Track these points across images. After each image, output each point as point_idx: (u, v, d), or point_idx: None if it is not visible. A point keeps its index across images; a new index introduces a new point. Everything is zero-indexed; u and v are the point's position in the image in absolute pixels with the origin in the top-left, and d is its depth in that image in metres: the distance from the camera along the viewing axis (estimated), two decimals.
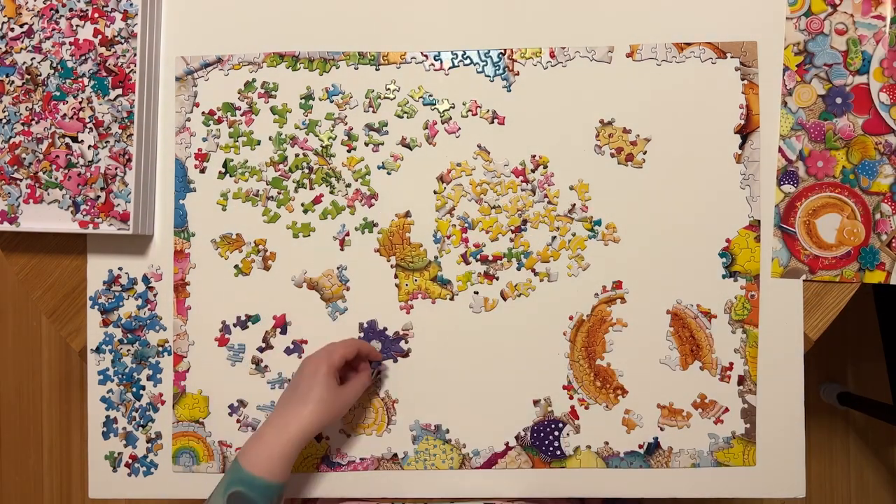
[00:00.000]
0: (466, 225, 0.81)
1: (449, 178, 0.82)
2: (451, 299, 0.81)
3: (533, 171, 0.81)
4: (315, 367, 0.71)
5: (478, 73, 0.82)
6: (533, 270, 0.81)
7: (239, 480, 0.67)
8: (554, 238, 0.81)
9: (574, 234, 0.81)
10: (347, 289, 0.82)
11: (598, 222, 0.81)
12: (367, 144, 0.82)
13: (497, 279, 0.81)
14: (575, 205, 0.81)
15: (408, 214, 0.81)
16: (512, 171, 0.81)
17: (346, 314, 0.82)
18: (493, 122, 0.82)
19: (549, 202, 0.81)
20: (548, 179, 0.81)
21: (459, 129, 0.82)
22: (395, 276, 0.82)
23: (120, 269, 0.83)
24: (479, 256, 0.81)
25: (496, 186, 0.81)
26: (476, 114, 0.82)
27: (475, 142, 0.82)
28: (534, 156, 0.81)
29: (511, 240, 0.81)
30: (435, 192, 0.82)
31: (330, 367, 0.71)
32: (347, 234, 0.82)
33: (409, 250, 0.81)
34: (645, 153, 0.80)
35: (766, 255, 0.80)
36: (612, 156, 0.81)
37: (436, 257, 0.81)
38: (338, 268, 0.82)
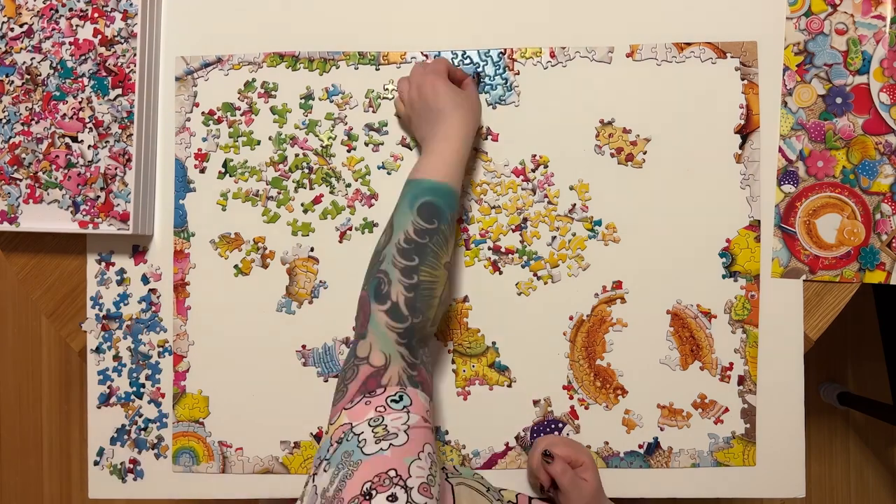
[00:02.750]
0: (464, 218, 0.81)
1: None
2: (509, 386, 0.81)
3: (533, 170, 0.81)
4: (436, 89, 0.72)
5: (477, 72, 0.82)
6: (535, 274, 0.81)
7: (424, 191, 0.67)
8: (554, 238, 0.81)
9: (574, 234, 0.81)
10: (325, 287, 0.82)
11: (599, 222, 0.81)
12: (367, 144, 0.82)
13: (501, 273, 0.81)
14: (575, 205, 0.81)
15: (465, 300, 0.81)
16: (512, 170, 0.81)
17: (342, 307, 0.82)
18: (487, 136, 0.82)
19: (549, 202, 0.81)
20: (548, 179, 0.81)
21: None
22: (453, 362, 0.81)
23: (123, 270, 0.83)
24: (492, 246, 0.81)
25: (496, 187, 0.81)
26: None
27: (486, 161, 0.82)
28: (534, 155, 0.81)
29: (521, 240, 0.81)
30: None
31: (448, 83, 0.73)
32: (349, 229, 0.82)
33: (467, 336, 0.81)
34: (645, 153, 0.80)
35: (766, 255, 0.80)
36: (612, 156, 0.81)
37: (493, 343, 0.81)
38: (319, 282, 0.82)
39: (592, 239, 0.81)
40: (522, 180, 0.81)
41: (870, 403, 1.49)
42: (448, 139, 0.70)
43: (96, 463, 0.83)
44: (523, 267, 0.81)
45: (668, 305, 0.80)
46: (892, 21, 0.78)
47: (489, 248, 0.81)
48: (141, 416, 0.83)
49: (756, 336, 0.80)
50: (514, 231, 0.81)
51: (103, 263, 0.83)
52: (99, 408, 0.83)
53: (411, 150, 0.82)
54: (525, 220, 0.81)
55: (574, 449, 0.75)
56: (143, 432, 0.83)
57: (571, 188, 0.81)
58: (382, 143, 0.82)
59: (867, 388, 1.64)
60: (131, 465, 0.83)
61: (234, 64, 0.83)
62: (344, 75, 0.83)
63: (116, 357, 0.83)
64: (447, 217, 0.67)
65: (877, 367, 1.63)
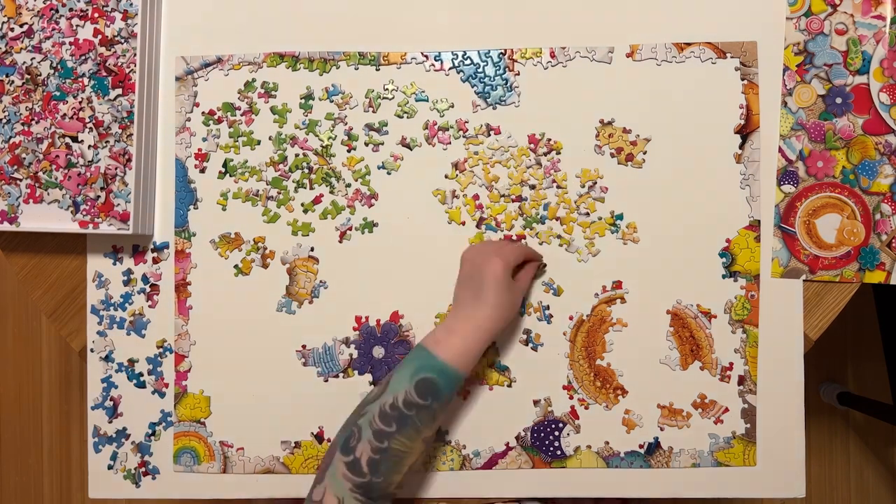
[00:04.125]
0: (480, 203, 0.81)
1: (464, 167, 0.81)
2: (509, 386, 0.81)
3: (546, 153, 0.81)
4: (494, 272, 0.70)
5: (478, 72, 0.82)
6: (545, 284, 0.81)
7: (430, 367, 0.67)
8: (579, 206, 0.80)
9: (600, 218, 0.80)
10: (326, 287, 0.82)
11: (620, 216, 0.80)
12: (367, 144, 0.82)
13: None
14: (596, 183, 0.80)
15: None
16: (528, 136, 0.81)
17: (341, 314, 0.82)
18: (489, 134, 0.82)
19: (559, 186, 0.81)
20: (554, 165, 0.81)
21: (463, 124, 0.82)
22: None
23: (129, 271, 0.83)
24: (503, 237, 0.81)
25: (508, 162, 0.81)
26: (476, 112, 0.82)
27: (476, 145, 0.82)
28: (548, 140, 0.81)
29: (525, 220, 0.81)
30: (447, 177, 0.81)
31: (508, 272, 0.71)
32: (349, 229, 0.82)
33: None
34: (645, 153, 0.80)
35: (766, 255, 0.80)
36: (612, 156, 0.81)
37: (493, 343, 0.80)
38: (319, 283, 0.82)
39: (614, 234, 0.80)
40: (533, 148, 0.81)
41: (870, 403, 1.49)
42: (479, 329, 0.69)
43: (110, 467, 0.83)
44: (539, 222, 0.80)
45: (668, 305, 0.80)
46: (892, 21, 0.78)
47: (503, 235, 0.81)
48: (142, 416, 0.83)
49: (756, 336, 0.80)
50: (514, 201, 0.81)
51: (111, 260, 0.83)
52: (110, 422, 0.83)
53: (411, 150, 0.82)
54: (532, 187, 0.81)
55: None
56: (151, 437, 0.83)
57: (579, 190, 0.81)
58: (382, 143, 0.82)
59: (867, 388, 1.64)
60: (143, 469, 0.83)
61: (234, 64, 0.83)
62: (344, 75, 0.83)
63: (117, 357, 0.83)
64: (443, 397, 0.67)
65: (877, 367, 1.63)
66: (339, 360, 0.82)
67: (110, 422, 0.83)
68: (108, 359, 0.83)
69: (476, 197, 0.81)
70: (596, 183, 0.81)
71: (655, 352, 0.80)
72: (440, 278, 0.81)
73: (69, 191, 0.79)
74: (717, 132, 0.80)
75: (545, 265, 0.81)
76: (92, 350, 0.84)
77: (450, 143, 0.82)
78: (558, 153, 0.81)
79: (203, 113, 0.83)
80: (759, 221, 0.80)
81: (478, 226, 0.81)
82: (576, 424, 0.81)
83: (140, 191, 0.79)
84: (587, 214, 0.80)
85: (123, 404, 0.83)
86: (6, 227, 0.80)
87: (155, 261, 0.83)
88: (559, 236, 0.80)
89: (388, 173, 0.82)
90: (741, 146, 0.80)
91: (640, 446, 0.80)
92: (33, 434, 1.74)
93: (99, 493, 0.84)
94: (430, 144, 0.82)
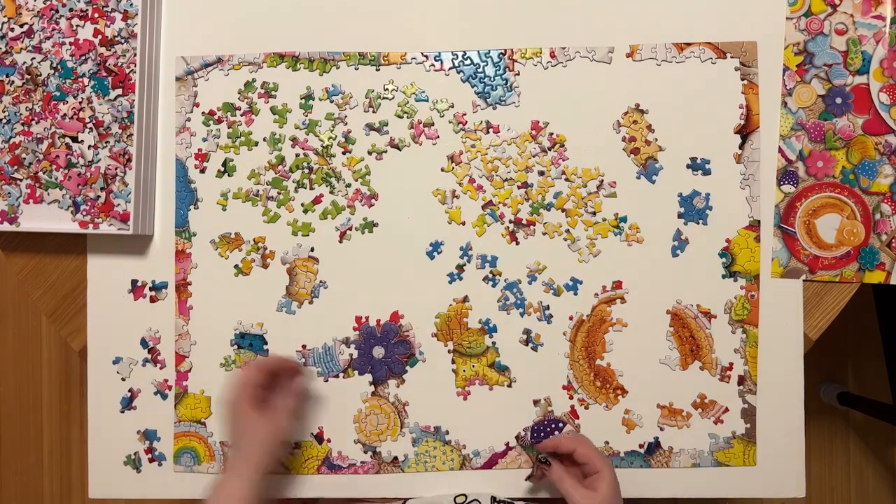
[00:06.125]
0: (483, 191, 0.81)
1: (459, 160, 0.81)
2: (509, 386, 0.81)
3: (550, 148, 0.81)
4: (229, 412, 0.71)
5: (477, 72, 0.82)
6: (545, 284, 0.81)
7: None
8: (587, 204, 0.80)
9: (604, 220, 0.80)
10: (325, 287, 0.82)
11: (624, 219, 0.80)
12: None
13: (518, 243, 0.81)
14: (603, 180, 0.80)
15: (465, 300, 0.81)
16: (531, 122, 0.81)
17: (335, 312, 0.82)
18: (488, 132, 0.82)
19: (567, 178, 0.81)
20: (561, 155, 0.81)
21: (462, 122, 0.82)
22: (453, 362, 0.81)
23: (139, 280, 0.84)
24: (514, 219, 0.81)
25: (510, 149, 0.81)
26: (476, 112, 0.82)
27: (474, 140, 0.82)
28: (550, 133, 0.81)
29: (532, 206, 0.81)
30: (443, 170, 0.81)
31: (237, 407, 0.69)
32: (349, 229, 0.82)
33: (467, 335, 0.81)
34: (652, 159, 0.80)
35: (766, 255, 0.80)
36: (623, 140, 0.80)
37: (493, 343, 0.81)
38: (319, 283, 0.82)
39: (617, 236, 0.80)
40: (534, 135, 0.81)
41: (870, 403, 1.48)
42: (239, 478, 0.67)
43: (130, 459, 0.83)
44: (545, 210, 0.80)
45: (668, 305, 0.80)
46: (892, 21, 0.78)
47: (510, 221, 0.81)
48: (142, 414, 0.83)
49: (756, 336, 0.80)
50: (520, 188, 0.81)
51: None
52: (122, 412, 0.83)
53: (400, 150, 0.82)
54: (541, 173, 0.81)
55: (592, 454, 0.72)
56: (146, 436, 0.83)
57: (587, 194, 0.81)
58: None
59: (867, 388, 1.64)
60: (149, 455, 0.82)
61: (234, 64, 0.83)
62: (344, 75, 0.83)
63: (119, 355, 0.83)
64: None
65: (877, 367, 1.63)
66: (339, 360, 0.82)
67: (122, 412, 0.83)
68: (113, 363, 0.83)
69: (472, 181, 0.81)
70: (603, 181, 0.80)
71: (655, 352, 0.80)
72: (440, 278, 0.81)
73: (69, 191, 0.79)
74: (717, 132, 0.80)
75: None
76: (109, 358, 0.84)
77: (438, 137, 0.81)
78: (562, 145, 0.81)
79: (203, 113, 0.83)
80: (759, 221, 0.80)
81: (484, 209, 0.81)
82: (576, 424, 0.81)
83: (140, 191, 0.79)
84: (593, 214, 0.80)
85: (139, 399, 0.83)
86: (6, 227, 0.80)
87: (152, 300, 0.83)
88: (568, 231, 0.80)
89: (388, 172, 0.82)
90: (741, 146, 0.80)
91: (640, 446, 0.80)
92: (33, 434, 1.74)
93: (99, 493, 0.84)
94: (416, 143, 0.82)
